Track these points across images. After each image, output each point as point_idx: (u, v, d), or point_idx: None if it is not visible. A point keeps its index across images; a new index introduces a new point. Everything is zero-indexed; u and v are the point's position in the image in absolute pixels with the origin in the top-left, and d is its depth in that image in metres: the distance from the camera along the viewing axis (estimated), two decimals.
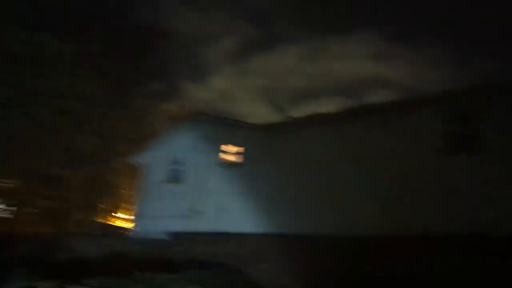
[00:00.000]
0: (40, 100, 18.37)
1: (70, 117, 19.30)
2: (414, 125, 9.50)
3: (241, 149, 12.72)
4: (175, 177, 14.24)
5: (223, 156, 13.07)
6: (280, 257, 9.96)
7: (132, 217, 15.65)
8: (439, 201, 8.41)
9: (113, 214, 24.23)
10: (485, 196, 7.84)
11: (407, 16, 44.80)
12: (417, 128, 9.41)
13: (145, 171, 15.60)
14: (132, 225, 15.11)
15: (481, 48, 41.53)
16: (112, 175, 22.41)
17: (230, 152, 12.99)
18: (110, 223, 23.52)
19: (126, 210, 23.45)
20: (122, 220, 23.69)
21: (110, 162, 21.65)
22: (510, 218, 7.41)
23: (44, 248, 12.13)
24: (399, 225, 8.65)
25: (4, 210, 19.97)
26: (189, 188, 13.30)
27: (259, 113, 36.35)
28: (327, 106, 43.74)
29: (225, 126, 13.33)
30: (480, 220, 7.70)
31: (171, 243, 11.76)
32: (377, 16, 45.53)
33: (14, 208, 20.02)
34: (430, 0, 42.59)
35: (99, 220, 22.81)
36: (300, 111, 35.73)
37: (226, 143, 13.08)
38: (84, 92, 19.61)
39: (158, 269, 8.71)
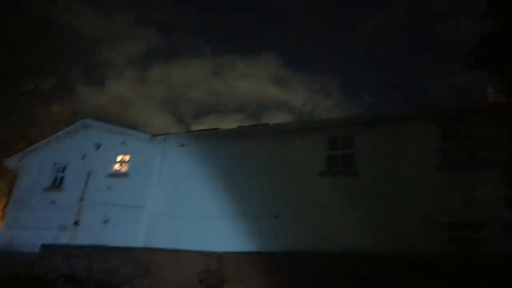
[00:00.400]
0: None
1: None
2: (302, 148, 10.17)
3: (130, 158, 12.26)
4: (55, 185, 13.19)
5: (111, 165, 12.46)
6: (163, 271, 9.77)
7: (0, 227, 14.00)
8: (312, 219, 9.09)
9: None
10: (350, 216, 8.69)
11: (304, 46, 48.22)
12: (304, 150, 10.09)
13: (22, 176, 14.19)
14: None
15: (360, 84, 46.62)
16: None
17: (119, 161, 12.44)
18: None
19: None
20: None
21: None
22: (369, 237, 8.31)
23: None
24: (276, 241, 9.16)
25: None
26: (70, 197, 12.38)
27: (157, 123, 35.40)
28: (226, 122, 44.66)
29: (117, 134, 12.75)
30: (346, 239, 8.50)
31: (42, 257, 10.77)
32: (278, 41, 48.19)
33: None
34: (325, 34, 46.45)
35: None
36: (198, 125, 35.58)
37: (116, 151, 12.51)
38: None
39: (24, 286, 7.99)
